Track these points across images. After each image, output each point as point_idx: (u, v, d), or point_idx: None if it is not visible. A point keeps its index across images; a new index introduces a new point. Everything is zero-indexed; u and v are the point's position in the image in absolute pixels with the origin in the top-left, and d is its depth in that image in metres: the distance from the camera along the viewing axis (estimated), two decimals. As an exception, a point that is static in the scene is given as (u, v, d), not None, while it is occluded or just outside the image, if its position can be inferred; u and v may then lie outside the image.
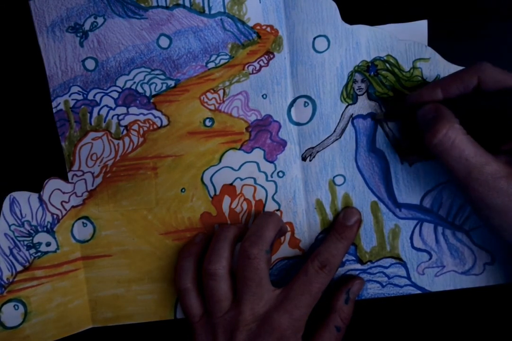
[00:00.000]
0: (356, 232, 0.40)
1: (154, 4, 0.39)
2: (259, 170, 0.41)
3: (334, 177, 0.41)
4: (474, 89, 0.34)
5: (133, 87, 0.40)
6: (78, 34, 0.40)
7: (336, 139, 0.40)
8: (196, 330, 0.38)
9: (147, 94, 0.40)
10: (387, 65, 0.39)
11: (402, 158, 0.40)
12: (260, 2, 0.39)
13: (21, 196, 0.40)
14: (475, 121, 0.35)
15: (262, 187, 0.41)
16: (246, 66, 0.40)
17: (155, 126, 0.40)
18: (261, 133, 0.40)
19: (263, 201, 0.41)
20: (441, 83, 0.35)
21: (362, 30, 0.39)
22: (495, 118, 0.35)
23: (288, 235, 0.41)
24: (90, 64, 0.40)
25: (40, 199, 0.40)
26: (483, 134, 0.34)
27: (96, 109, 0.40)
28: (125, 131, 0.40)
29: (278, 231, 0.39)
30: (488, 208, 0.32)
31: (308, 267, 0.37)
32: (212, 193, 0.41)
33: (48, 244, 0.40)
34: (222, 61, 0.40)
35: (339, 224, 0.40)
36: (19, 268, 0.40)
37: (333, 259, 0.38)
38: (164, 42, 0.40)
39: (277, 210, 0.41)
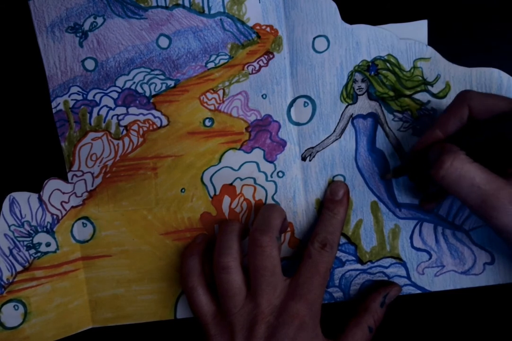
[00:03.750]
0: (346, 204, 0.40)
1: (154, 4, 0.39)
2: (259, 170, 0.41)
3: (334, 177, 0.41)
4: (469, 119, 0.34)
5: (133, 87, 0.40)
6: (78, 34, 0.39)
7: (336, 139, 0.40)
8: (209, 331, 0.37)
9: (147, 94, 0.40)
10: (388, 64, 0.39)
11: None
12: (259, 2, 0.39)
13: (21, 196, 0.40)
14: (479, 149, 0.34)
15: (262, 187, 0.41)
16: (246, 66, 0.40)
17: (154, 127, 0.40)
18: (261, 133, 0.40)
19: (263, 201, 0.41)
20: (437, 124, 0.36)
21: (362, 30, 0.39)
22: (498, 143, 0.35)
23: (288, 235, 0.41)
24: (90, 65, 0.40)
25: (40, 199, 0.40)
26: (489, 160, 0.34)
27: (95, 110, 0.40)
28: (124, 132, 0.40)
29: (283, 220, 0.39)
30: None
31: (310, 250, 0.37)
32: (212, 193, 0.41)
33: (48, 244, 0.40)
34: (222, 61, 0.40)
35: (329, 201, 0.40)
36: (19, 268, 0.40)
37: (331, 236, 0.38)
38: (163, 42, 0.40)
39: (277, 210, 0.41)
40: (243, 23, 0.39)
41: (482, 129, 0.34)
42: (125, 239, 0.41)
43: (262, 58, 0.40)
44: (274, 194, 0.41)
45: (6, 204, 0.40)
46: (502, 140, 0.34)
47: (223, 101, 0.40)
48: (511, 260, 0.41)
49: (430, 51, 0.39)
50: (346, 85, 0.40)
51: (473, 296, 0.41)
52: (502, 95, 0.35)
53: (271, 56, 0.40)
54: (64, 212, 0.41)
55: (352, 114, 0.40)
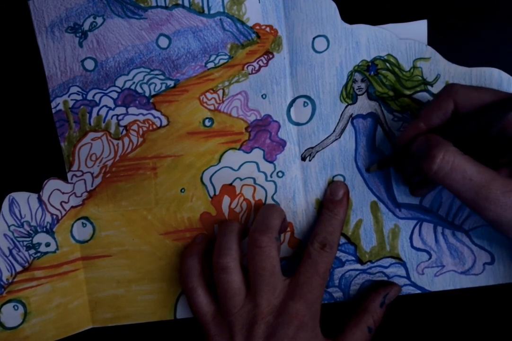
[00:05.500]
0: (346, 204, 0.40)
1: (154, 4, 0.39)
2: (259, 170, 0.41)
3: (333, 177, 0.41)
4: (453, 113, 0.34)
5: (133, 87, 0.40)
6: (77, 34, 0.39)
7: (336, 139, 0.40)
8: (209, 331, 0.37)
9: (147, 94, 0.40)
10: (388, 64, 0.39)
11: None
12: (259, 2, 0.39)
13: (21, 196, 0.40)
14: (467, 142, 0.34)
15: (262, 187, 0.41)
16: (246, 66, 0.40)
17: (154, 127, 0.40)
18: (261, 133, 0.40)
19: (263, 201, 0.41)
20: (421, 116, 0.35)
21: (362, 30, 0.39)
22: (483, 134, 0.35)
23: (288, 235, 0.41)
24: (89, 65, 0.40)
25: (40, 199, 0.40)
26: (478, 152, 0.34)
27: (95, 110, 0.40)
28: (124, 132, 0.40)
29: (283, 220, 0.39)
30: (506, 223, 0.31)
31: (310, 250, 0.38)
32: (211, 193, 0.41)
33: (47, 245, 0.40)
34: (222, 61, 0.40)
35: (329, 201, 0.40)
36: (18, 268, 0.40)
37: (331, 236, 0.38)
38: (163, 42, 0.40)
39: (277, 210, 0.41)
40: (242, 23, 0.39)
41: (467, 121, 0.34)
42: (125, 239, 0.41)
43: (262, 58, 0.40)
44: (274, 194, 0.41)
45: (5, 204, 0.40)
46: (488, 131, 0.34)
47: (223, 101, 0.40)
48: (511, 260, 0.41)
49: (430, 51, 0.39)
50: (345, 85, 0.40)
51: (473, 296, 0.41)
52: (487, 87, 0.34)
53: (270, 56, 0.40)
54: (63, 212, 0.41)
55: (352, 114, 0.40)
